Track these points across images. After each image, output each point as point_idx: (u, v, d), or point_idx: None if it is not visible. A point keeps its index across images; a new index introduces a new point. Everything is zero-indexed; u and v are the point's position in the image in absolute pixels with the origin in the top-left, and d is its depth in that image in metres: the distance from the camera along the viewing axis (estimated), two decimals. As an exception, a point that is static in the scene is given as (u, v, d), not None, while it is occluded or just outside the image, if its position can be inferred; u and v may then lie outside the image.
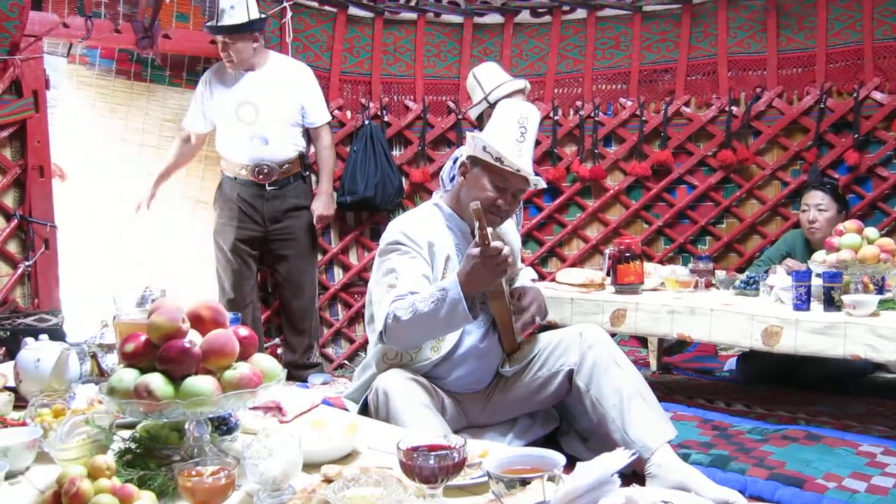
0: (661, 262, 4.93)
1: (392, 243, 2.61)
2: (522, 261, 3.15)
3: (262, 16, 4.29)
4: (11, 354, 2.45)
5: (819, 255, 3.45)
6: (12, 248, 3.94)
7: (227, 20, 4.16)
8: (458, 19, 5.20)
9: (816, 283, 3.28)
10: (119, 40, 4.24)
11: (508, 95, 3.66)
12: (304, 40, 4.92)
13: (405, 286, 2.49)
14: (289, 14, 4.75)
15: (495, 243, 2.28)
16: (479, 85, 3.83)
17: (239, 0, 4.19)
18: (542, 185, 2.73)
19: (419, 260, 2.58)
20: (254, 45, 4.27)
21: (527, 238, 5.14)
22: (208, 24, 4.27)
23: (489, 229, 2.30)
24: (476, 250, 2.29)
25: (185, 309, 1.64)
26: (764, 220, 5.01)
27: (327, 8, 4.96)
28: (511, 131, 2.57)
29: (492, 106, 3.66)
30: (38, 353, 2.11)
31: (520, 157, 2.56)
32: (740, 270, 4.41)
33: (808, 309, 3.19)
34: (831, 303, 3.13)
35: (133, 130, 4.58)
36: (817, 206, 4.06)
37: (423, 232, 2.63)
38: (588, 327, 2.74)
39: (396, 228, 2.65)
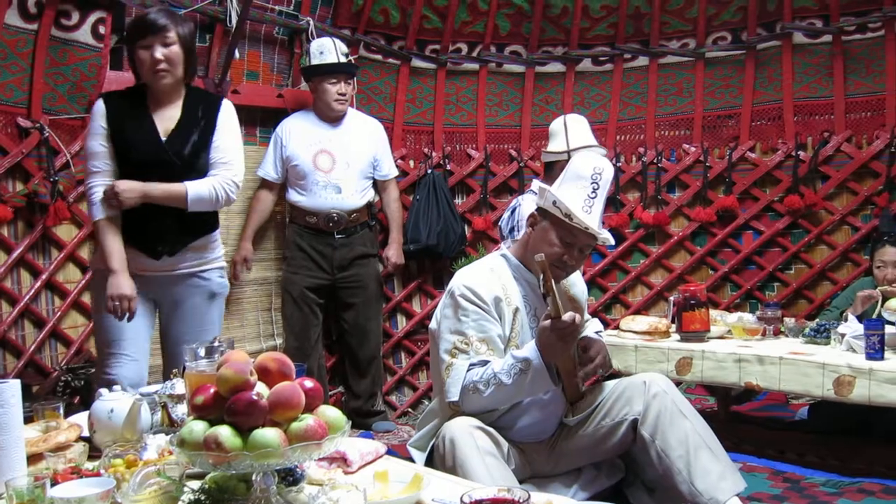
0: (728, 308, 4.85)
1: (460, 297, 2.60)
2: (588, 308, 3.14)
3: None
4: (86, 404, 2.52)
5: (893, 303, 3.36)
6: (86, 299, 4.08)
7: (338, 59, 4.34)
8: (519, 69, 5.26)
9: (890, 331, 3.18)
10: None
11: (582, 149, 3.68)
12: (368, 92, 5.04)
13: (477, 352, 2.53)
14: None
15: (566, 316, 2.30)
16: (566, 136, 3.84)
17: (330, 45, 4.37)
18: (611, 241, 2.72)
19: (487, 321, 2.58)
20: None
21: (590, 284, 5.11)
22: (326, 62, 4.38)
23: (553, 283, 2.32)
24: (548, 323, 2.32)
25: (252, 361, 1.68)
26: (834, 266, 4.90)
27: (391, 61, 5.08)
28: (583, 187, 2.57)
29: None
30: (111, 403, 2.17)
31: (589, 215, 2.55)
32: (810, 318, 4.30)
33: (881, 358, 3.09)
34: (906, 352, 3.04)
35: None
36: (894, 263, 3.91)
37: (489, 286, 2.62)
38: (652, 376, 2.71)
39: (462, 282, 2.64)
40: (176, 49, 2.88)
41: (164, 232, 3.00)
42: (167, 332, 3.15)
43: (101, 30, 3.95)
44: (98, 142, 2.94)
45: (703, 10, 5.01)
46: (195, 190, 2.95)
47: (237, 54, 4.41)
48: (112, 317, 2.90)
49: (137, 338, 3.01)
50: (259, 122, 4.71)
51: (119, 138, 2.93)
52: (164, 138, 2.96)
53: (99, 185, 2.93)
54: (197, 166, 3.00)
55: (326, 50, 4.37)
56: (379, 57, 5.04)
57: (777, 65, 5.01)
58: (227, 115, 3.10)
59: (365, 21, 4.87)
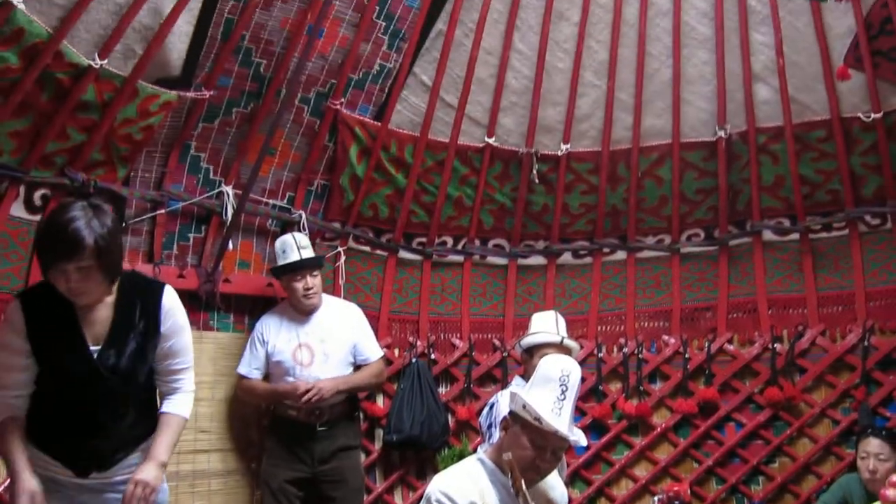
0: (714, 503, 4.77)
1: (436, 503, 2.60)
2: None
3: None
4: None
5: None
6: None
7: (299, 256, 4.45)
8: (502, 261, 5.45)
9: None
10: (182, 284, 4.48)
11: (539, 346, 3.81)
12: (356, 282, 5.18)
13: None
14: (342, 258, 5.05)
15: None
16: (529, 328, 4.03)
17: (291, 242, 4.50)
18: (583, 442, 2.75)
19: None
20: None
21: (574, 477, 5.04)
22: (288, 262, 4.47)
23: (526, 485, 2.33)
24: None
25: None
26: (818, 460, 4.88)
27: (379, 252, 5.26)
28: (552, 389, 2.62)
29: (526, 351, 3.85)
30: None
31: (559, 417, 2.58)
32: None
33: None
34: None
35: (203, 385, 4.49)
36: (877, 455, 3.93)
37: (466, 492, 2.59)
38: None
39: (439, 487, 2.62)
40: (94, 273, 2.42)
41: (101, 450, 2.62)
42: None
43: (101, 221, 4.11)
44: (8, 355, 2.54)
45: (676, 208, 5.28)
46: (185, 415, 2.73)
47: (230, 245, 4.57)
48: None
49: None
50: (249, 311, 4.80)
51: (38, 350, 2.53)
52: (94, 349, 2.56)
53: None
54: (137, 379, 2.64)
55: (288, 248, 4.48)
56: (367, 248, 5.23)
57: (749, 260, 5.22)
58: (172, 309, 2.70)
59: (355, 215, 5.09)
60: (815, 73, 4.76)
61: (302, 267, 4.47)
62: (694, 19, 4.84)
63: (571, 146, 5.17)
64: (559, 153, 5.17)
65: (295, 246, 4.49)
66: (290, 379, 4.42)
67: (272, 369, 4.51)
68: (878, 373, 4.79)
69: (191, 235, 4.59)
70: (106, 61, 3.75)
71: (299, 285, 4.46)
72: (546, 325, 4.03)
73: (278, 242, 4.57)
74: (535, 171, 5.15)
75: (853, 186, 4.92)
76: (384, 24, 4.62)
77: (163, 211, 4.39)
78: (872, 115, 4.70)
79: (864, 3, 4.40)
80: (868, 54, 4.56)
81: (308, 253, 4.51)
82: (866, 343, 4.82)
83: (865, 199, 4.95)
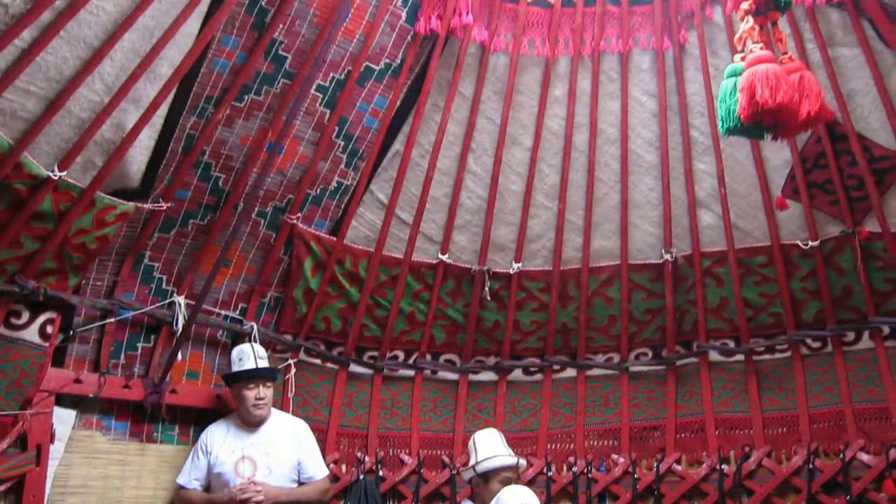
0: None
1: None
2: None
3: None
4: None
5: None
6: None
7: (255, 364, 4.42)
8: (453, 376, 5.47)
9: None
10: (127, 395, 4.42)
11: (497, 470, 3.80)
12: (305, 395, 5.13)
13: None
14: (293, 370, 5.02)
15: None
16: (475, 451, 4.00)
17: (249, 351, 4.49)
18: None
19: None
20: None
21: None
22: (244, 369, 4.45)
23: None
24: None
25: None
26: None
27: (330, 365, 5.24)
28: None
29: (480, 476, 3.82)
30: None
31: None
32: None
33: None
34: None
35: (143, 500, 4.49)
36: None
37: None
38: None
39: None
40: None
41: None
42: None
43: (49, 329, 4.08)
44: None
45: (625, 327, 5.38)
46: None
47: (179, 355, 4.54)
48: None
49: None
50: (195, 422, 4.72)
51: None
52: None
53: None
54: None
55: (245, 356, 4.49)
56: (318, 361, 5.22)
57: (696, 380, 5.31)
58: None
59: (307, 328, 5.09)
60: (755, 201, 4.98)
61: (257, 376, 4.45)
62: (641, 148, 5.06)
63: (523, 265, 5.29)
64: (511, 271, 5.29)
65: (253, 355, 4.49)
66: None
67: (212, 481, 4.40)
68: (822, 496, 4.81)
69: (139, 345, 4.55)
70: (65, 173, 3.80)
71: (251, 394, 4.42)
72: (496, 447, 4.04)
73: (236, 350, 4.56)
74: (486, 289, 5.25)
75: (794, 310, 5.09)
76: (343, 143, 4.76)
77: (112, 320, 4.36)
78: (810, 243, 4.91)
79: (798, 138, 4.65)
80: (804, 186, 4.80)
81: (265, 364, 4.51)
82: (811, 466, 4.87)
83: (806, 323, 5.10)
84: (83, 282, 4.28)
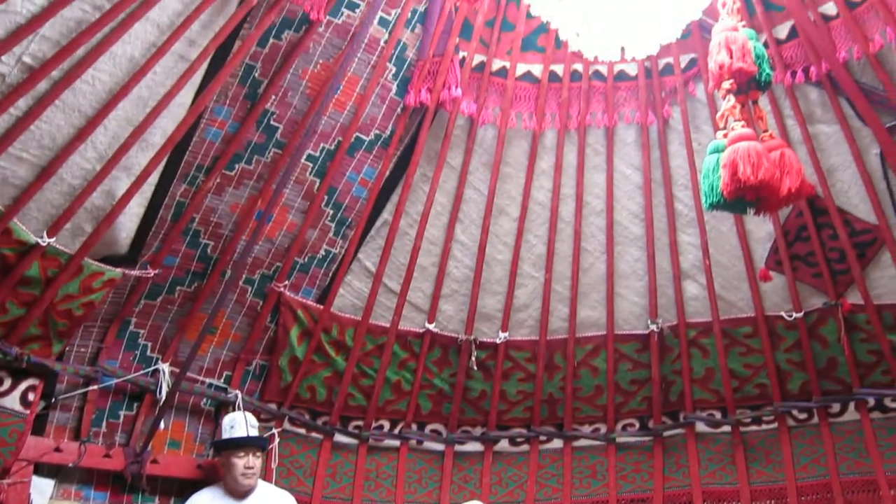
0: None
1: None
2: None
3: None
4: None
5: None
6: None
7: (247, 433, 4.37)
8: (439, 447, 5.41)
9: None
10: (108, 464, 4.35)
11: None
12: (288, 465, 5.06)
13: None
14: (276, 440, 4.96)
15: None
16: None
17: (241, 419, 4.47)
18: None
19: None
20: None
21: None
22: (235, 437, 4.42)
23: None
24: None
25: None
26: None
27: (314, 435, 5.18)
28: None
29: None
30: None
31: None
32: None
33: None
34: None
35: None
36: None
37: None
38: None
39: None
40: None
41: None
42: None
43: (31, 396, 4.04)
44: None
45: (611, 398, 5.36)
46: None
47: (162, 424, 4.48)
48: None
49: None
50: (176, 493, 4.63)
51: None
52: None
53: None
54: None
55: (237, 424, 4.47)
56: (302, 431, 5.15)
57: (683, 451, 5.27)
58: None
59: (292, 396, 5.05)
60: (739, 273, 5.03)
61: (248, 444, 4.41)
62: (626, 219, 5.12)
63: (510, 334, 5.29)
64: (497, 341, 5.28)
65: (244, 423, 4.47)
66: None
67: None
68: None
69: (122, 413, 4.50)
70: (54, 239, 3.82)
71: (241, 462, 4.37)
72: None
73: (228, 418, 4.54)
74: (473, 358, 5.24)
75: (780, 381, 5.10)
76: (332, 211, 4.80)
77: (95, 387, 4.32)
78: (794, 315, 4.95)
79: (781, 212, 4.72)
80: (787, 258, 4.87)
81: (256, 433, 4.49)
82: (800, 539, 4.84)
83: (792, 394, 5.11)
84: (67, 348, 4.26)
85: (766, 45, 4.36)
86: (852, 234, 4.70)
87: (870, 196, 4.54)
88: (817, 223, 4.76)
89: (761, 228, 4.91)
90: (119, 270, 4.17)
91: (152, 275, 4.32)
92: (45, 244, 3.77)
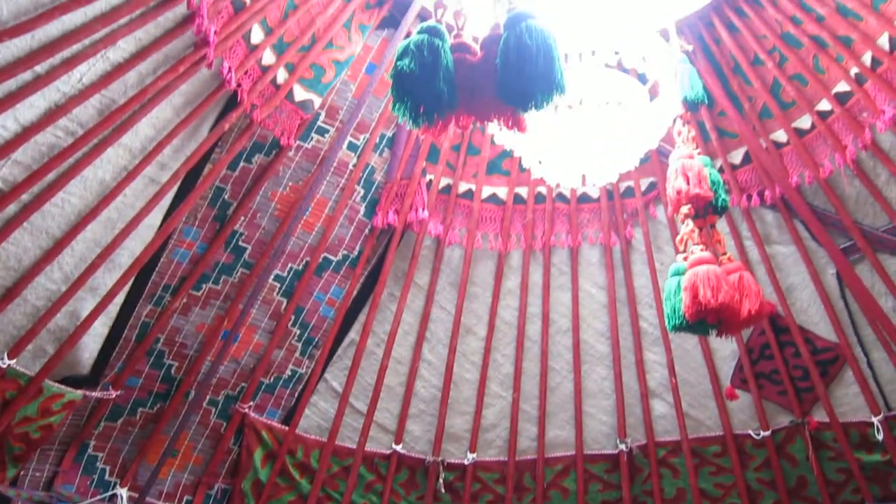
0: None
1: None
2: None
3: None
4: None
5: None
6: None
7: None
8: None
9: None
10: None
11: None
12: None
13: None
14: (237, 569, 4.78)
15: None
16: None
17: None
18: None
19: None
20: None
21: None
22: None
23: None
24: None
25: None
26: None
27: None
28: None
29: None
30: None
31: None
32: None
33: None
34: None
35: None
36: None
37: None
38: None
39: None
40: None
41: None
42: None
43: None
44: None
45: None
46: None
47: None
48: None
49: None
50: None
51: None
52: None
53: None
54: None
55: None
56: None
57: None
58: None
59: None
60: (705, 390, 5.05)
61: None
62: (592, 338, 5.16)
63: (478, 455, 5.21)
64: (466, 462, 5.19)
65: None
66: None
67: None
68: None
69: (76, 540, 4.34)
70: (14, 361, 3.76)
71: None
72: None
73: None
74: (441, 480, 5.13)
75: (751, 501, 5.04)
76: (298, 331, 4.79)
77: (49, 514, 4.17)
78: (762, 433, 4.94)
79: (744, 330, 4.79)
80: (752, 377, 4.90)
81: None
82: None
83: (764, 515, 5.06)
84: (22, 472, 4.13)
85: (721, 170, 4.54)
86: (814, 352, 4.76)
87: (829, 315, 4.64)
88: (780, 341, 4.82)
89: (726, 346, 4.96)
90: (80, 392, 4.10)
91: (114, 396, 4.25)
92: (4, 366, 3.71)
